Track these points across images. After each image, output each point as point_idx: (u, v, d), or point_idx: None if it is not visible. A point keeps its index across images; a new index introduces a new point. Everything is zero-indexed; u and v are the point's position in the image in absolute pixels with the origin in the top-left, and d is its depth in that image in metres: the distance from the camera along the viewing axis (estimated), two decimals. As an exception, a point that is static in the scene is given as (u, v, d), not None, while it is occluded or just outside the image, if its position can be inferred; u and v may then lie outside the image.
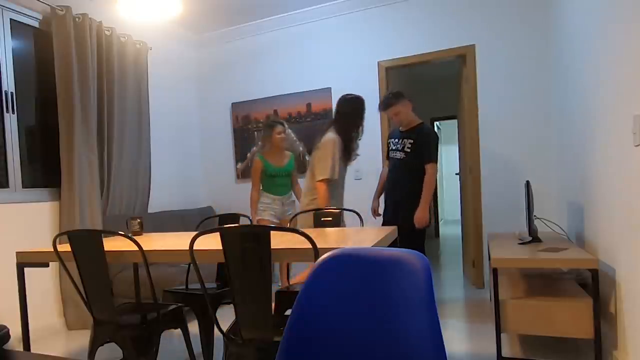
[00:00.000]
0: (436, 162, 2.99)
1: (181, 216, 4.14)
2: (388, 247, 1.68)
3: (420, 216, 2.91)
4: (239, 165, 4.73)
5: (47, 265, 2.09)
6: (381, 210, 3.41)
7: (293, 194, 3.75)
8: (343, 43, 4.22)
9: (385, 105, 3.06)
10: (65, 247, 2.03)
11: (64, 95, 3.18)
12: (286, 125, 3.63)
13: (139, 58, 3.89)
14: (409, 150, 3.01)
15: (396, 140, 3.12)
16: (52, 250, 1.94)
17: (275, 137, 3.53)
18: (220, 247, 1.52)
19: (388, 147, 3.22)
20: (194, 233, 2.27)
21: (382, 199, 3.26)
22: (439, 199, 7.68)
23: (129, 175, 3.71)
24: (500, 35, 3.64)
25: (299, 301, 0.92)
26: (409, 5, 3.94)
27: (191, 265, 2.29)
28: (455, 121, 7.61)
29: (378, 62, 4.07)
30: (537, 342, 2.49)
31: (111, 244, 2.09)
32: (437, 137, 3.02)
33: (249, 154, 4.67)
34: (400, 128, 3.12)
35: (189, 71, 4.84)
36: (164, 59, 4.43)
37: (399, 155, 3.06)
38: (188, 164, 4.74)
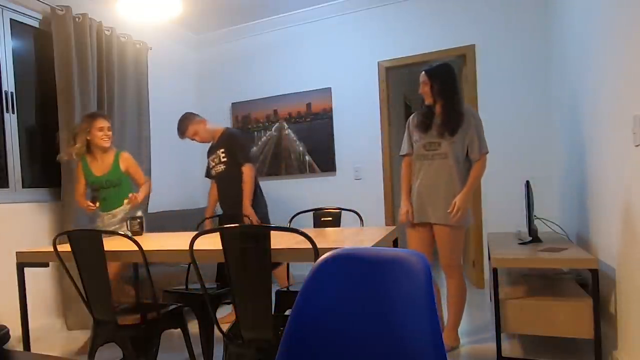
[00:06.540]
0: (250, 162, 3.03)
1: (181, 216, 4.14)
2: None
3: (249, 212, 2.97)
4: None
5: (47, 265, 2.09)
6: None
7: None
8: (343, 43, 4.21)
9: (180, 131, 3.13)
10: (65, 247, 2.03)
11: (64, 95, 3.17)
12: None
13: (139, 58, 3.89)
14: (225, 159, 3.07)
15: (213, 156, 3.21)
16: (52, 250, 1.94)
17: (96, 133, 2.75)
18: (220, 247, 1.52)
19: (208, 166, 3.28)
20: (194, 233, 2.27)
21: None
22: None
23: (129, 175, 3.71)
24: (500, 35, 3.64)
25: (299, 301, 0.92)
26: (409, 5, 3.94)
27: (191, 265, 2.29)
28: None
29: (378, 62, 4.07)
30: (537, 342, 2.49)
31: (111, 244, 2.09)
32: (244, 137, 3.07)
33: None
34: (212, 143, 3.20)
35: (189, 71, 4.84)
36: (164, 59, 4.43)
37: (221, 168, 3.13)
38: (188, 164, 4.74)
